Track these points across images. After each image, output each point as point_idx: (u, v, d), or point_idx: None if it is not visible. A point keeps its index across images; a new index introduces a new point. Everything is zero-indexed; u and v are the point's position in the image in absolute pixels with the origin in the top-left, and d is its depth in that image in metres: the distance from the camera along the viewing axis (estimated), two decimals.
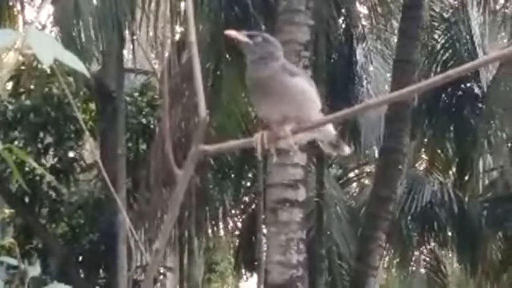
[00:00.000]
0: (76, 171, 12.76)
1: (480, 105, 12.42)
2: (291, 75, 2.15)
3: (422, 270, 14.05)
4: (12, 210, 12.86)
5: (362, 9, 12.80)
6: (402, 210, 12.33)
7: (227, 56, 11.06)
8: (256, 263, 12.12)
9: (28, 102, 12.18)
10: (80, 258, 12.41)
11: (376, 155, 12.46)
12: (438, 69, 12.37)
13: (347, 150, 2.27)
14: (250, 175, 13.78)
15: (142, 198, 11.36)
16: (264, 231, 10.36)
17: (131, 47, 11.63)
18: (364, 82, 12.53)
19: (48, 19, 13.08)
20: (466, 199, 12.90)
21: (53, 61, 1.55)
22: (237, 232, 14.54)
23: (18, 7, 11.62)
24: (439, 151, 13.62)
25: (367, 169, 14.60)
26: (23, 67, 12.07)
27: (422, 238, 13.27)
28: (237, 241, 14.31)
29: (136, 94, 12.81)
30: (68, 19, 9.88)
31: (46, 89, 12.12)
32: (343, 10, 12.04)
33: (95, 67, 11.82)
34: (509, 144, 12.10)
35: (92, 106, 12.72)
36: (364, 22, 12.64)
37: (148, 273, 2.12)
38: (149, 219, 11.30)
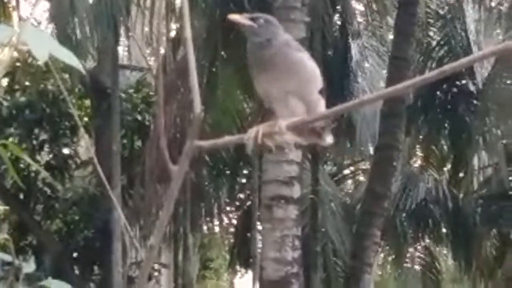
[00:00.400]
0: (71, 168, 12.74)
1: (475, 102, 12.43)
2: (296, 50, 2.15)
3: (417, 267, 14.06)
4: (6, 207, 12.84)
5: (358, 6, 12.81)
6: (397, 207, 12.34)
7: (223, 53, 11.06)
8: (251, 259, 12.11)
9: (23, 99, 12.17)
10: (75, 255, 12.39)
11: (371, 152, 12.47)
12: (434, 65, 12.37)
13: (329, 139, 2.21)
14: (245, 171, 13.77)
15: (137, 194, 11.36)
16: (259, 227, 10.36)
17: (126, 43, 11.63)
18: (360, 79, 12.52)
19: (43, 15, 13.09)
20: (461, 196, 12.92)
21: (48, 57, 1.55)
22: (232, 229, 14.54)
23: (13, 3, 11.61)
24: (434, 148, 13.64)
25: (362, 166, 14.62)
26: (18, 64, 12.06)
27: (417, 235, 13.28)
28: (232, 237, 14.32)
29: (131, 90, 12.80)
30: (63, 15, 9.87)
31: (41, 86, 12.10)
32: (338, 7, 12.03)
33: (90, 64, 11.81)
34: (504, 141, 12.11)
35: (87, 102, 12.70)
36: (359, 19, 12.64)
37: (143, 269, 2.12)
38: (144, 216, 11.30)
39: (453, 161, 13.31)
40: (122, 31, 10.77)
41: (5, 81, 12.31)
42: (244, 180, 13.99)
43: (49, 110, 11.98)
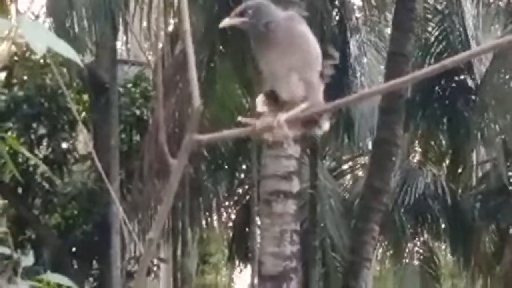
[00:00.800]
0: (69, 162, 12.74)
1: (473, 97, 12.43)
2: (299, 23, 2.12)
3: (416, 262, 14.07)
4: (5, 201, 12.84)
5: (356, 1, 12.80)
6: (396, 202, 12.35)
7: (221, 47, 11.05)
8: (250, 254, 12.12)
9: (21, 93, 12.15)
10: (74, 249, 12.40)
11: (370, 147, 12.47)
12: (432, 61, 12.36)
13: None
14: (244, 166, 13.78)
15: (135, 189, 11.35)
16: (258, 222, 10.37)
17: (125, 38, 11.61)
18: (358, 74, 12.52)
19: (41, 9, 13.05)
20: (460, 191, 12.94)
21: (46, 51, 1.54)
22: (230, 224, 14.55)
23: None
24: (432, 143, 13.64)
25: (361, 161, 14.62)
26: (16, 58, 12.05)
27: (416, 230, 13.30)
28: (231, 232, 14.32)
29: (130, 85, 12.79)
30: (61, 9, 9.86)
31: (39, 80, 12.09)
32: (336, 2, 12.03)
33: (88, 58, 11.79)
34: (502, 136, 12.11)
35: (86, 97, 12.70)
36: (358, 14, 12.64)
37: (142, 264, 2.11)
38: (142, 210, 11.30)
39: (452, 156, 13.32)
40: (120, 25, 10.76)
41: (3, 75, 12.30)
42: (243, 175, 14.00)
43: (47, 105, 11.97)
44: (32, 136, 12.23)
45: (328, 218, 12.24)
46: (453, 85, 12.71)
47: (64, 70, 11.62)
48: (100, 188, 11.64)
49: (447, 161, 13.70)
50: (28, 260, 2.92)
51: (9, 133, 11.73)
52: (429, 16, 12.86)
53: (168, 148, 1.76)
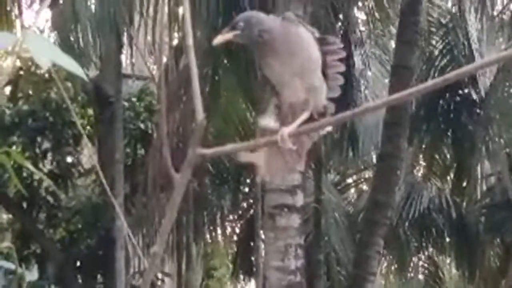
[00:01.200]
0: (74, 176, 12.74)
1: (478, 111, 12.42)
2: (294, 25, 2.09)
3: (420, 276, 14.04)
4: (10, 215, 12.85)
5: (360, 15, 12.82)
6: (400, 216, 12.32)
7: (225, 61, 11.06)
8: (254, 268, 12.10)
9: (26, 107, 12.18)
10: (78, 263, 12.39)
11: (374, 161, 12.46)
12: (436, 74, 12.36)
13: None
14: (248, 180, 13.76)
15: (139, 203, 11.35)
16: (262, 236, 10.35)
17: (129, 52, 11.63)
18: (362, 88, 12.52)
19: (46, 24, 13.11)
20: (464, 205, 12.90)
21: (51, 65, 1.54)
22: (235, 238, 14.52)
23: (16, 11, 11.62)
24: (437, 157, 13.62)
25: (365, 174, 14.60)
26: (21, 72, 12.09)
27: (420, 244, 13.26)
28: (235, 246, 14.30)
29: (134, 99, 12.81)
30: (66, 24, 9.89)
31: (44, 94, 12.11)
32: (341, 16, 12.04)
33: (93, 72, 11.82)
34: (507, 150, 12.10)
35: (90, 111, 12.71)
36: (362, 28, 12.64)
37: (146, 278, 2.11)
38: (147, 224, 11.29)
39: (456, 170, 13.29)
40: (125, 39, 10.78)
41: (8, 90, 12.33)
42: (247, 189, 13.98)
43: (52, 119, 11.99)
44: (37, 150, 12.25)
45: (332, 232, 12.22)
46: (458, 98, 12.70)
47: (69, 84, 11.65)
48: (104, 202, 11.63)
49: (452, 175, 13.67)
50: (32, 275, 2.92)
51: (14, 147, 11.75)
52: (433, 29, 12.86)
53: (172, 162, 1.76)
